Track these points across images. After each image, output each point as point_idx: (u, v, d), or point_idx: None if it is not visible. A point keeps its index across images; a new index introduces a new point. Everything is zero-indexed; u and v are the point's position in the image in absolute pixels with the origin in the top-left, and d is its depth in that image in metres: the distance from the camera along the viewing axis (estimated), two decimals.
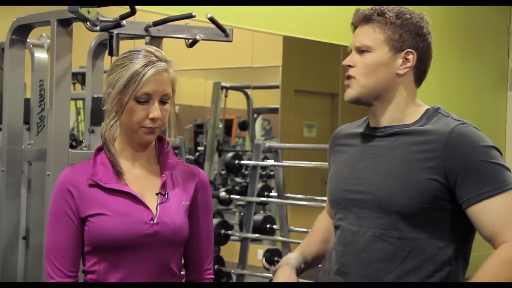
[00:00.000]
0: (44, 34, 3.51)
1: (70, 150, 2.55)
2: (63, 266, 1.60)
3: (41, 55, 3.25)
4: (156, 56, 1.62)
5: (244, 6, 4.17)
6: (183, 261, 1.74)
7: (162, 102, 1.62)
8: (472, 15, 5.97)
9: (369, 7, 1.68)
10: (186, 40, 2.64)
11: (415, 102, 1.67)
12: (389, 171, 1.58)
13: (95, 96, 2.91)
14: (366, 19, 1.64)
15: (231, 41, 2.67)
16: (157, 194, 1.65)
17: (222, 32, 2.63)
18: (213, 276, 1.77)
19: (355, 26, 1.68)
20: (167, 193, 1.66)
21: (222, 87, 6.45)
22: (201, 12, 2.52)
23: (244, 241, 4.28)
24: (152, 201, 1.64)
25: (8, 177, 2.74)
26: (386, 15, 1.62)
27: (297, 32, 4.90)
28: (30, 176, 3.21)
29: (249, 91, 6.46)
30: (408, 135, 1.60)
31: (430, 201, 1.54)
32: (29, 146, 3.17)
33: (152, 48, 1.65)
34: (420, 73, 1.66)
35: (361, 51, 1.63)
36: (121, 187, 1.62)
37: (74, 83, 5.31)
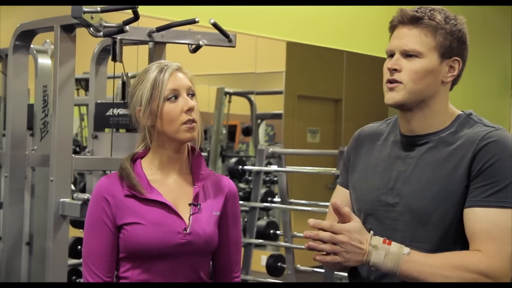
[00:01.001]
0: (47, 40, 3.52)
1: (73, 155, 2.55)
2: (100, 271, 1.66)
3: (45, 61, 3.26)
4: (166, 63, 1.72)
5: (248, 11, 4.17)
6: (211, 268, 1.78)
7: (190, 96, 1.70)
8: (476, 19, 5.97)
9: (414, 7, 1.59)
10: (189, 46, 2.65)
11: (449, 108, 1.63)
12: (422, 181, 1.54)
13: (99, 101, 2.91)
14: (415, 22, 1.56)
15: (234, 47, 2.67)
16: (189, 204, 1.70)
17: (226, 38, 2.63)
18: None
19: (396, 25, 1.60)
20: (199, 204, 1.71)
21: (226, 93, 6.46)
22: (204, 18, 2.52)
23: (247, 247, 4.28)
24: (185, 211, 1.69)
25: (12, 182, 2.74)
26: (437, 19, 1.56)
27: (301, 38, 4.90)
28: (33, 181, 3.22)
29: (252, 97, 6.46)
30: (440, 143, 1.56)
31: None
32: (33, 151, 3.17)
33: (162, 60, 1.79)
34: (457, 79, 1.62)
35: (408, 55, 1.56)
36: (156, 197, 1.67)
37: (77, 89, 5.32)
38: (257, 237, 4.35)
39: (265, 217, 5.31)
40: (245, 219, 4.65)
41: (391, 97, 1.57)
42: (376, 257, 1.46)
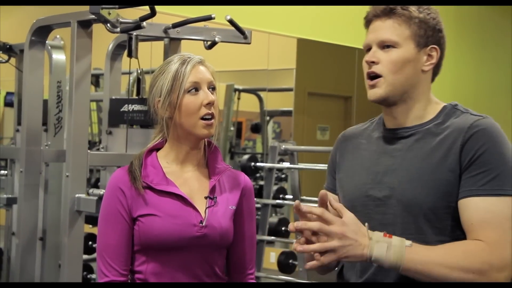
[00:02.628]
0: (58, 36, 3.52)
1: (89, 151, 2.56)
2: (117, 264, 1.63)
3: (59, 57, 3.27)
4: (189, 55, 1.70)
5: (260, 8, 4.17)
6: (225, 263, 1.76)
7: (211, 90, 1.68)
8: (487, 17, 5.94)
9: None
10: (205, 42, 2.65)
11: (433, 99, 1.63)
12: (412, 172, 1.52)
13: (113, 97, 2.91)
14: (388, 13, 1.58)
15: (249, 43, 2.67)
16: (206, 197, 1.68)
17: (241, 34, 2.63)
18: (255, 281, 1.79)
19: (370, 19, 1.61)
20: (216, 197, 1.69)
21: (235, 90, 6.45)
22: (218, 15, 2.51)
23: (259, 244, 4.27)
24: (201, 204, 1.67)
25: (27, 178, 2.74)
26: (410, 9, 1.57)
27: (311, 35, 4.89)
28: (47, 177, 3.22)
29: (263, 94, 6.46)
30: (427, 134, 1.55)
31: (456, 200, 1.49)
32: (46, 147, 3.18)
33: (184, 52, 1.73)
34: (437, 69, 1.62)
35: (385, 46, 1.57)
36: (172, 189, 1.65)
37: None
38: (269, 234, 4.35)
39: (274, 214, 5.30)
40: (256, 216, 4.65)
41: (373, 93, 1.57)
42: (378, 250, 1.41)
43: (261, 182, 5.34)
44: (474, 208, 1.46)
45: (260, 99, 6.49)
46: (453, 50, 6.49)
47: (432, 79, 1.63)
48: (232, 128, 6.57)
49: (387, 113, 1.62)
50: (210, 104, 1.65)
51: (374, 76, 1.57)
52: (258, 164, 4.48)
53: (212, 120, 1.66)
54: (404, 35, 1.56)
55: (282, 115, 6.72)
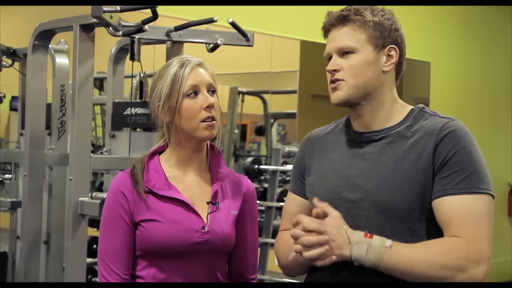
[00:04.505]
0: (62, 40, 3.53)
1: (92, 155, 2.56)
2: (119, 269, 1.62)
3: (62, 60, 3.28)
4: (188, 58, 1.69)
5: (262, 10, 4.17)
6: (227, 268, 1.76)
7: (211, 92, 1.67)
8: (491, 17, 5.93)
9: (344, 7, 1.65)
10: (207, 45, 2.65)
11: (398, 101, 1.65)
12: (385, 175, 1.55)
13: (116, 101, 2.92)
14: (342, 20, 1.61)
15: (252, 46, 2.68)
16: (208, 203, 1.67)
17: (243, 37, 2.63)
18: None
19: (328, 29, 1.65)
20: (218, 203, 1.68)
21: (239, 92, 6.46)
22: (221, 17, 2.52)
23: (263, 246, 4.27)
24: (202, 209, 1.66)
25: (31, 181, 2.75)
26: (363, 14, 1.60)
27: (315, 36, 4.87)
28: (51, 180, 3.23)
29: (267, 96, 6.46)
30: (398, 137, 1.58)
31: (429, 201, 1.52)
32: (50, 150, 3.18)
33: (184, 55, 1.73)
34: (399, 68, 1.64)
35: (344, 53, 1.60)
36: (174, 195, 1.64)
37: None
38: (273, 237, 4.34)
39: (278, 217, 5.30)
40: (259, 219, 4.65)
41: (335, 96, 1.61)
42: (357, 251, 1.46)
43: (265, 185, 5.34)
44: (450, 206, 1.49)
45: (264, 102, 6.49)
46: (457, 50, 6.48)
47: (396, 78, 1.65)
48: (236, 131, 6.57)
49: (353, 115, 1.64)
50: (209, 107, 1.64)
51: (335, 81, 1.60)
52: (261, 166, 4.49)
53: (213, 122, 1.65)
54: (361, 40, 1.59)
55: (286, 118, 6.72)
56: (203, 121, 1.64)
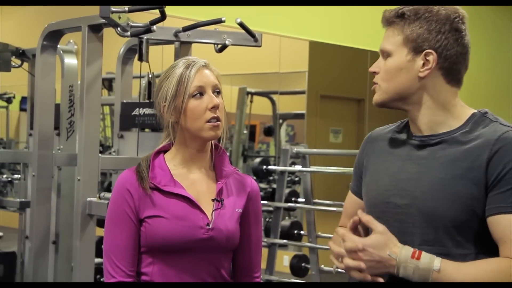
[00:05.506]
0: (71, 41, 3.55)
1: (100, 155, 2.56)
2: (124, 265, 1.63)
3: (71, 61, 3.29)
4: (194, 59, 1.69)
5: (271, 11, 4.17)
6: (231, 267, 1.75)
7: (216, 94, 1.67)
8: (500, 19, 5.90)
9: (397, 7, 1.60)
10: (215, 45, 2.65)
11: (457, 104, 1.57)
12: (434, 182, 1.49)
13: (125, 101, 2.92)
14: (388, 22, 1.57)
15: (260, 46, 2.67)
16: (212, 200, 1.68)
17: (252, 37, 2.63)
18: None
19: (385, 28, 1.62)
20: (223, 200, 1.68)
21: (248, 93, 6.46)
22: (229, 18, 2.52)
23: (272, 247, 4.27)
24: (207, 206, 1.67)
25: (39, 181, 2.76)
26: (405, 15, 1.53)
27: (323, 37, 4.88)
28: (59, 181, 3.24)
29: (275, 97, 6.45)
30: (453, 143, 1.51)
31: (477, 213, 1.47)
32: (59, 151, 3.19)
33: (189, 56, 1.75)
34: (451, 72, 1.54)
35: (384, 55, 1.57)
36: (179, 191, 1.65)
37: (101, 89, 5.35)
38: (281, 238, 4.34)
39: (287, 217, 5.29)
40: (268, 219, 4.64)
41: (374, 99, 1.59)
42: (404, 272, 1.43)
43: (274, 185, 5.34)
44: (506, 225, 1.44)
45: (273, 102, 6.49)
46: None
47: (453, 83, 1.56)
48: (245, 131, 6.57)
49: (409, 118, 1.61)
50: (215, 108, 1.65)
51: (374, 82, 1.59)
52: (270, 167, 4.48)
53: (218, 122, 1.65)
54: (398, 43, 1.54)
55: (295, 118, 6.71)
56: (208, 121, 1.65)
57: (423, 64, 1.52)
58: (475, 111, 1.58)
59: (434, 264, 1.42)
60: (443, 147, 1.52)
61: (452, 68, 1.54)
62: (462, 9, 1.56)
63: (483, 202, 1.46)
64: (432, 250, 1.46)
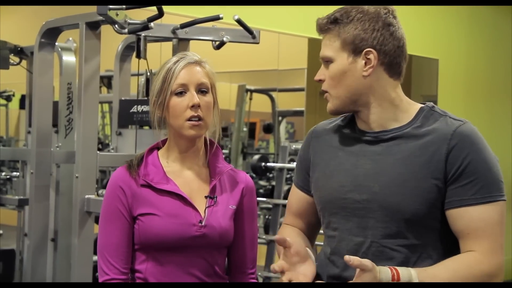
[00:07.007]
0: (70, 38, 3.54)
1: (98, 152, 2.57)
2: (118, 263, 1.63)
3: (69, 58, 3.29)
4: (185, 55, 1.68)
5: (269, 8, 4.16)
6: (226, 263, 1.75)
7: (201, 92, 1.65)
8: (501, 16, 5.90)
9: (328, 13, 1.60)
10: (213, 42, 2.65)
11: (403, 99, 1.59)
12: (393, 177, 1.52)
13: (123, 98, 2.92)
14: (323, 30, 1.58)
15: (258, 43, 2.67)
16: (206, 197, 1.68)
17: (249, 34, 2.63)
18: (256, 281, 1.78)
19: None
20: (216, 197, 1.68)
21: (247, 90, 6.45)
22: (227, 15, 2.51)
23: (270, 244, 4.27)
24: (200, 203, 1.67)
25: (38, 179, 2.76)
26: (338, 20, 1.55)
27: None
28: (58, 178, 3.24)
29: (274, 94, 6.45)
30: (407, 138, 1.54)
31: (437, 205, 1.51)
32: (57, 148, 3.20)
33: (187, 52, 1.71)
34: (392, 67, 1.55)
35: (326, 62, 1.57)
36: (172, 189, 1.65)
37: (100, 87, 5.35)
38: None
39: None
40: (266, 216, 4.64)
41: (327, 107, 1.59)
42: None
43: (273, 182, 5.33)
44: (468, 218, 1.48)
45: (272, 99, 6.48)
46: (465, 47, 6.42)
47: (396, 77, 1.57)
48: (244, 129, 6.57)
49: (356, 117, 1.61)
50: (195, 107, 1.63)
51: (323, 91, 1.59)
52: (268, 164, 4.48)
53: (200, 122, 1.63)
54: (336, 48, 1.55)
55: (294, 115, 6.71)
56: (189, 120, 1.64)
57: (365, 63, 1.54)
58: (422, 105, 1.60)
59: (412, 279, 1.45)
60: (397, 143, 1.54)
61: (393, 62, 1.56)
62: (390, 5, 1.59)
63: (443, 195, 1.50)
64: (395, 243, 1.51)
